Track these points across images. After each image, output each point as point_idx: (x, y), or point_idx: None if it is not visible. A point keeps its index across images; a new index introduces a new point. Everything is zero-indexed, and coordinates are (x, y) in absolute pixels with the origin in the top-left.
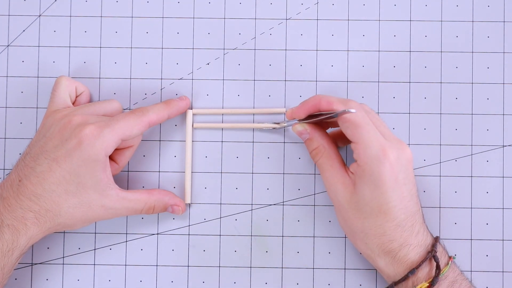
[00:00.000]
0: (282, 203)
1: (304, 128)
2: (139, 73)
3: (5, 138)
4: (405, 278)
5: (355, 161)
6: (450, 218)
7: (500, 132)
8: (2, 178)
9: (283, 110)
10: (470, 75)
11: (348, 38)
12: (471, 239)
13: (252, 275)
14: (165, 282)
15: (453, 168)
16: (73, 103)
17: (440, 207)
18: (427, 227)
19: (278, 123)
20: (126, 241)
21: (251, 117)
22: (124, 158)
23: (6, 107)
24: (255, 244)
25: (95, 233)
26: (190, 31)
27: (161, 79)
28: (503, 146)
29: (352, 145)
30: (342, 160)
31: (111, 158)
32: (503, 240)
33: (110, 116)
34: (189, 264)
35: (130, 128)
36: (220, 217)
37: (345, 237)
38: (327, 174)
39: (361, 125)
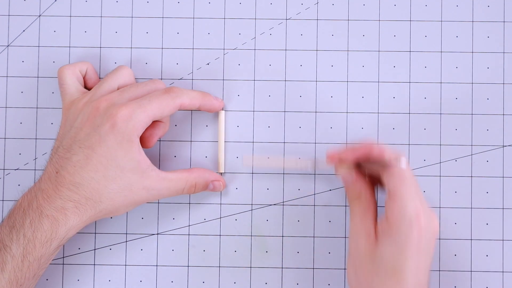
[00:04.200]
0: (282, 203)
1: (349, 172)
2: (139, 73)
3: (5, 138)
4: None
5: (385, 217)
6: (450, 218)
7: (500, 132)
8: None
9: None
10: (470, 75)
11: (348, 38)
12: (471, 239)
13: (252, 275)
14: (165, 282)
15: (453, 168)
16: (84, 84)
17: (440, 207)
18: None
19: (309, 162)
20: (126, 241)
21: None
22: (153, 139)
23: (6, 107)
24: (255, 244)
25: (95, 233)
26: (190, 31)
27: (161, 79)
28: (503, 146)
29: (387, 201)
30: (376, 212)
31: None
32: (503, 240)
33: (125, 86)
34: (189, 264)
35: (162, 109)
36: (220, 217)
37: (345, 237)
38: (356, 221)
39: (406, 183)
